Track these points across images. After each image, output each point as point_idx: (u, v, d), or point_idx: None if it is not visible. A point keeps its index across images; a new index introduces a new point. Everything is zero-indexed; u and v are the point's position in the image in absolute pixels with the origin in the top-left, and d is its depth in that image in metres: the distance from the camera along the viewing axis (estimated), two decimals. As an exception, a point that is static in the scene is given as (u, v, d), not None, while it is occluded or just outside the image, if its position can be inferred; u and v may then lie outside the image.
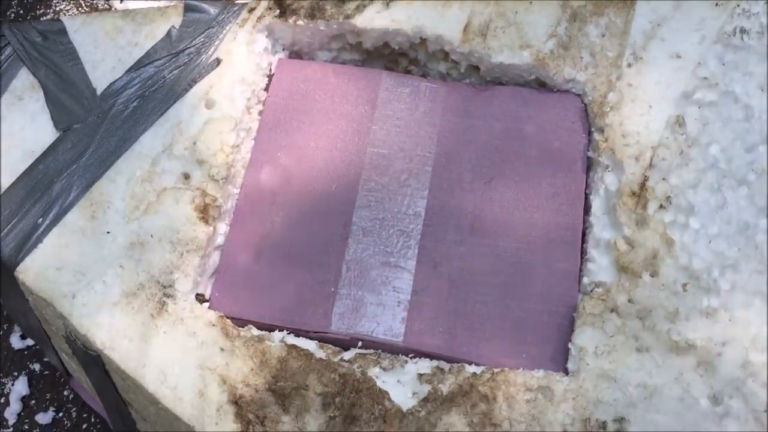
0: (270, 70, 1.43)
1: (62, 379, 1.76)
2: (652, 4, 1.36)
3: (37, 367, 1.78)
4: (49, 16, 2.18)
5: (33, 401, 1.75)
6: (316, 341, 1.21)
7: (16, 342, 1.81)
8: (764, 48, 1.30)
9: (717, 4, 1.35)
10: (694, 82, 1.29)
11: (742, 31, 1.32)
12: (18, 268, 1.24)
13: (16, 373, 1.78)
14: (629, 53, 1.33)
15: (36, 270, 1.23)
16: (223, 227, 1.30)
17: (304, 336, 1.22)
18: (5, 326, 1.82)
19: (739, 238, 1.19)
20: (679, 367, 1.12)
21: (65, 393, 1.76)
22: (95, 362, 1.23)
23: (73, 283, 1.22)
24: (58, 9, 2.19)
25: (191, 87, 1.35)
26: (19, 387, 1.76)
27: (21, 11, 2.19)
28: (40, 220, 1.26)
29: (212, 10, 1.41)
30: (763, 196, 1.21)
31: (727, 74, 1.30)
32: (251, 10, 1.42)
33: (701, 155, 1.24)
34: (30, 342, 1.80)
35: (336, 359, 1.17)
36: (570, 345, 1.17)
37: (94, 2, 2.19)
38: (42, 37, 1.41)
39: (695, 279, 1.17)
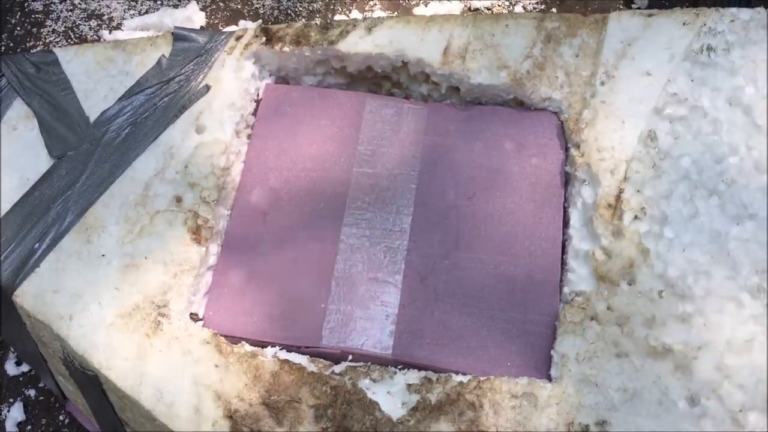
0: (258, 95, 1.48)
1: (57, 404, 1.78)
2: (622, 24, 1.42)
3: (32, 393, 1.80)
4: (38, 49, 2.23)
5: (29, 427, 1.77)
6: (308, 356, 1.25)
7: (11, 369, 1.83)
8: (730, 64, 1.37)
9: (684, 24, 1.41)
10: (665, 98, 1.35)
11: (709, 48, 1.38)
12: (16, 292, 1.27)
13: (11, 400, 1.79)
14: (602, 72, 1.39)
15: (33, 293, 1.27)
16: (215, 248, 1.34)
17: (295, 351, 1.25)
18: (0, 353, 1.84)
19: (711, 246, 1.24)
20: (657, 371, 1.17)
21: (60, 418, 1.78)
22: (92, 382, 1.26)
23: (70, 305, 1.25)
24: (47, 41, 2.24)
25: (182, 113, 1.40)
26: (15, 413, 1.78)
27: (11, 44, 2.24)
28: (37, 245, 1.30)
29: (201, 38, 1.47)
30: (734, 206, 1.26)
31: (695, 90, 1.35)
32: (238, 38, 1.47)
33: (673, 167, 1.30)
34: (25, 368, 1.82)
35: (327, 372, 1.21)
36: (552, 352, 1.21)
37: (83, 34, 2.24)
38: (35, 68, 1.46)
39: (670, 286, 1.22)
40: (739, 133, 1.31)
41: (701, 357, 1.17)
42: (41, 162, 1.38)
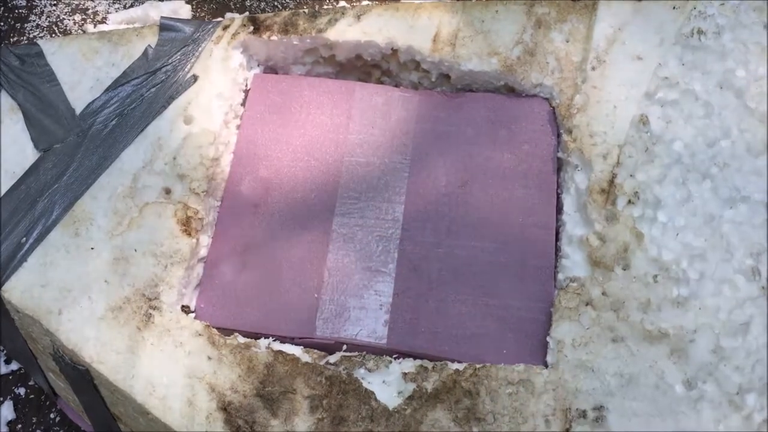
0: (246, 85, 1.47)
1: (48, 402, 1.76)
2: (613, 9, 1.41)
3: (22, 391, 1.78)
4: (23, 44, 2.20)
5: (19, 425, 1.75)
6: (302, 346, 1.23)
7: (0, 367, 1.81)
8: (721, 47, 1.36)
9: (675, 7, 1.41)
10: (656, 82, 1.35)
11: (699, 32, 1.38)
12: (3, 288, 1.25)
13: (1, 399, 1.77)
14: (593, 57, 1.38)
15: (21, 288, 1.25)
16: (205, 239, 1.32)
17: (289, 342, 1.24)
18: (-12, 352, 1.82)
19: (705, 229, 1.23)
20: (653, 355, 1.16)
21: (51, 416, 1.76)
22: (83, 377, 1.25)
23: (59, 300, 1.23)
24: (31, 36, 2.21)
25: (169, 104, 1.38)
26: (5, 412, 1.76)
27: (-6, 39, 2.21)
28: (24, 239, 1.28)
29: (187, 28, 1.45)
30: (727, 189, 1.26)
31: (686, 74, 1.35)
32: (226, 28, 1.45)
33: (666, 151, 1.29)
34: (15, 366, 1.80)
35: (322, 363, 1.20)
36: (548, 338, 1.20)
37: (68, 29, 2.21)
38: (20, 60, 1.43)
39: (665, 270, 1.21)
40: (731, 116, 1.31)
41: (697, 340, 1.16)
42: (27, 155, 1.35)
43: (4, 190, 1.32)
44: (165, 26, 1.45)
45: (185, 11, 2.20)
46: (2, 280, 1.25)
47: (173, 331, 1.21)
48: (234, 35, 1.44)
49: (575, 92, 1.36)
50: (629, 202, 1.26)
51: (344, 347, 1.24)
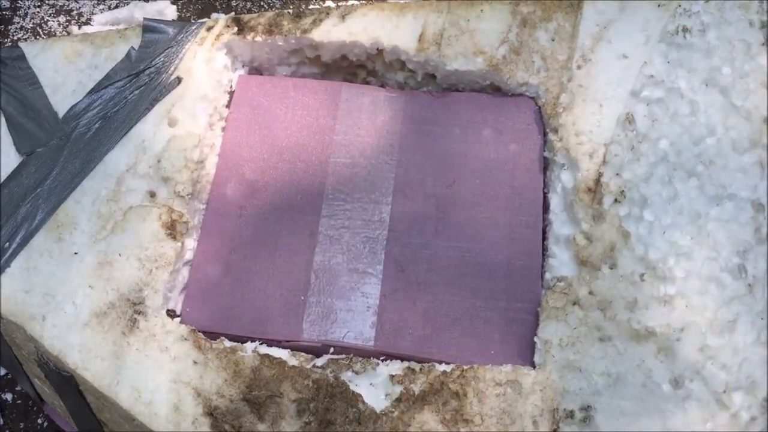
0: (231, 86, 1.46)
1: (35, 408, 1.75)
2: (598, 7, 1.41)
3: (9, 396, 1.77)
4: (5, 46, 2.18)
5: (7, 431, 1.73)
6: (289, 350, 1.23)
7: (-14, 372, 1.80)
8: (706, 45, 1.36)
9: (659, 5, 1.40)
10: (642, 80, 1.34)
11: (685, 29, 1.38)
12: (-14, 294, 1.24)
13: (-13, 404, 1.76)
14: (578, 56, 1.37)
15: (4, 294, 1.23)
16: (191, 243, 1.31)
17: (276, 345, 1.23)
18: (-25, 357, 1.80)
19: (691, 228, 1.23)
20: (640, 354, 1.16)
21: (39, 421, 1.75)
22: (68, 383, 1.24)
23: (43, 306, 1.22)
24: (15, 38, 2.19)
25: (153, 106, 1.37)
26: (-8, 417, 1.75)
27: (-22, 41, 2.19)
28: (7, 244, 1.26)
29: (170, 30, 1.43)
30: (713, 186, 1.26)
31: (672, 72, 1.35)
32: (209, 29, 1.44)
33: (652, 150, 1.29)
34: (1, 372, 1.79)
35: (309, 366, 1.19)
36: (536, 339, 1.20)
37: (52, 30, 2.19)
38: (1, 63, 1.42)
39: (652, 269, 1.21)
40: (717, 114, 1.31)
41: (684, 339, 1.16)
42: (10, 160, 1.34)
43: (-14, 195, 1.31)
44: (148, 28, 1.44)
45: (171, 11, 2.19)
46: (-15, 286, 1.24)
47: (158, 336, 1.20)
48: (218, 36, 1.43)
49: (561, 91, 1.36)
50: (616, 201, 1.26)
51: (331, 350, 1.23)
